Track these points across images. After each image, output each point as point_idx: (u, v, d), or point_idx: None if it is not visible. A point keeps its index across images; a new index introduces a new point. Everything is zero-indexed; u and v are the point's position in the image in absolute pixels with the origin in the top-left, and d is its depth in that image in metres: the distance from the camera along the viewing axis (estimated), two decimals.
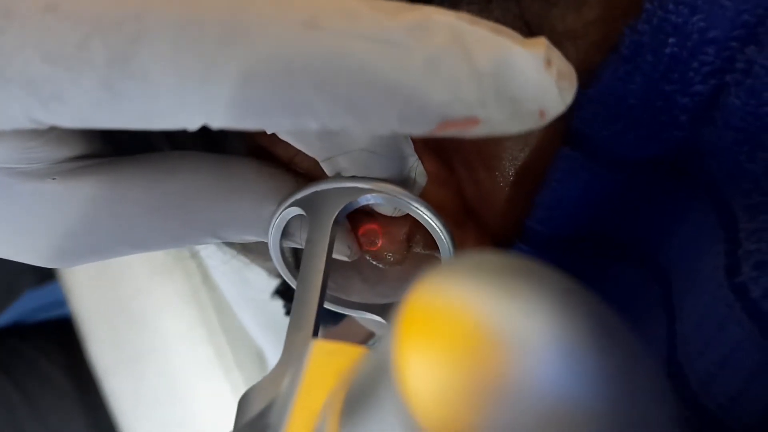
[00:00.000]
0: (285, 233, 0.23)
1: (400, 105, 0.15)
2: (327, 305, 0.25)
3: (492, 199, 0.25)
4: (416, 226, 0.23)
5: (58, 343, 0.84)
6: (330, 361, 0.16)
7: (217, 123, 0.15)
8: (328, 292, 0.29)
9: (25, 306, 0.86)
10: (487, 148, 0.24)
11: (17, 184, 0.19)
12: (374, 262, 0.25)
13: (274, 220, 0.22)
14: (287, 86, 0.15)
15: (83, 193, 0.20)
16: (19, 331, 0.86)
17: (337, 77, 0.14)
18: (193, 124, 0.15)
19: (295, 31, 0.14)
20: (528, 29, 0.22)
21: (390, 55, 0.14)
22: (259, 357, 0.68)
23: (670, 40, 0.20)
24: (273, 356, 0.65)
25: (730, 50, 0.20)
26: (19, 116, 0.16)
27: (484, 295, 0.12)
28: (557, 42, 0.22)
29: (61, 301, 0.80)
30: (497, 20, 0.22)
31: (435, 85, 0.14)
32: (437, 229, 0.22)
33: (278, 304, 0.46)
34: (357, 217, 0.24)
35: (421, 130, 0.15)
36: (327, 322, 0.48)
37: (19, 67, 0.15)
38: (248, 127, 0.16)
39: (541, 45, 0.15)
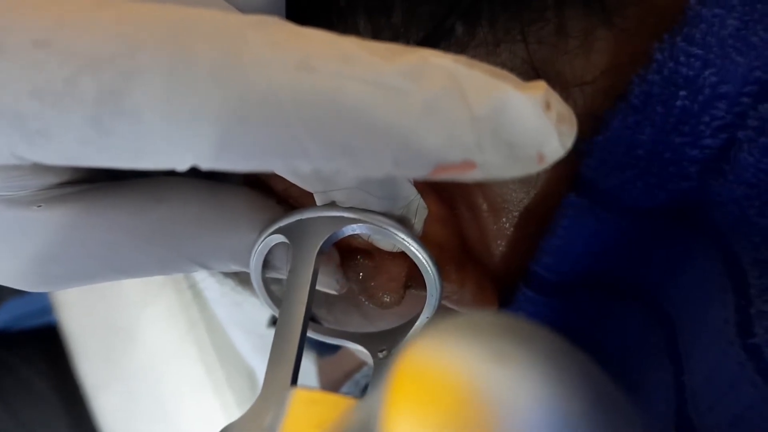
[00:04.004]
0: (270, 265, 0.23)
1: (395, 148, 0.14)
2: (310, 334, 0.25)
3: (495, 241, 0.25)
4: (414, 266, 0.23)
5: (41, 351, 0.83)
6: (311, 411, 0.16)
7: (207, 164, 0.15)
8: (325, 324, 0.29)
9: (8, 314, 0.85)
10: (491, 190, 0.24)
11: (1, 212, 0.19)
12: (370, 304, 0.24)
13: (256, 247, 0.22)
14: (279, 128, 0.14)
15: (69, 220, 0.20)
16: (2, 339, 0.85)
17: (330, 120, 0.14)
18: (182, 165, 0.15)
19: (288, 73, 0.14)
20: (535, 74, 0.22)
21: (385, 98, 0.14)
22: (250, 376, 0.68)
23: (681, 93, 0.20)
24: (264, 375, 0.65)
25: (741, 106, 0.20)
26: (3, 151, 0.16)
27: (476, 359, 0.12)
28: (564, 87, 0.22)
29: (46, 309, 0.79)
30: (504, 64, 0.22)
31: (430, 129, 0.14)
32: (423, 261, 0.22)
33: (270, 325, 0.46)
34: (352, 255, 0.24)
35: (418, 173, 0.15)
36: (324, 352, 0.47)
37: (6, 101, 0.15)
38: (239, 169, 0.15)
39: (539, 88, 0.14)
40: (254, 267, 0.23)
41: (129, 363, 0.70)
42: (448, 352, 0.12)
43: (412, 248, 0.21)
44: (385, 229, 0.21)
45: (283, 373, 0.20)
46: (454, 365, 0.12)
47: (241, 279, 0.31)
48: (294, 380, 0.20)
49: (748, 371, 0.19)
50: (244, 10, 0.19)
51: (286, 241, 0.22)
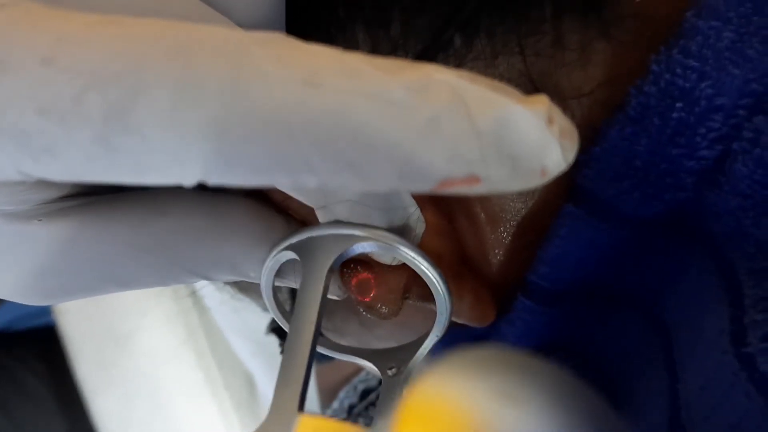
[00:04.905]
0: (279, 273, 0.23)
1: (400, 164, 0.14)
2: (321, 350, 0.25)
3: (493, 250, 0.25)
4: (413, 277, 0.23)
5: (39, 353, 0.83)
6: None
7: (213, 179, 0.15)
8: (325, 333, 0.29)
9: (8, 314, 0.85)
10: (489, 200, 0.24)
11: (2, 225, 0.19)
12: (368, 314, 0.24)
13: (267, 263, 0.22)
14: (285, 143, 0.14)
15: (70, 234, 0.20)
16: (0, 340, 0.85)
17: (336, 135, 0.14)
18: (188, 180, 0.15)
19: (293, 89, 0.14)
20: (533, 86, 0.22)
21: (390, 114, 0.14)
22: (249, 381, 0.68)
23: (678, 104, 0.20)
24: (262, 380, 0.65)
25: (737, 118, 0.20)
26: (8, 168, 0.15)
27: (484, 397, 0.12)
28: (562, 99, 0.22)
29: (45, 309, 0.79)
30: (502, 76, 0.22)
31: (435, 144, 0.14)
32: (434, 280, 0.22)
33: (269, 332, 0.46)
34: (352, 266, 0.24)
35: (422, 188, 0.15)
36: (323, 358, 0.47)
37: (12, 119, 0.15)
38: (245, 184, 0.15)
39: (542, 103, 0.15)
40: (265, 283, 0.23)
41: (127, 368, 0.70)
42: (457, 388, 0.12)
43: (423, 267, 0.21)
44: (395, 247, 0.21)
45: (291, 396, 0.20)
46: (462, 402, 0.12)
47: (241, 286, 0.31)
48: (301, 404, 0.20)
49: (741, 381, 0.19)
50: (244, 24, 0.19)
51: (296, 257, 0.22)
